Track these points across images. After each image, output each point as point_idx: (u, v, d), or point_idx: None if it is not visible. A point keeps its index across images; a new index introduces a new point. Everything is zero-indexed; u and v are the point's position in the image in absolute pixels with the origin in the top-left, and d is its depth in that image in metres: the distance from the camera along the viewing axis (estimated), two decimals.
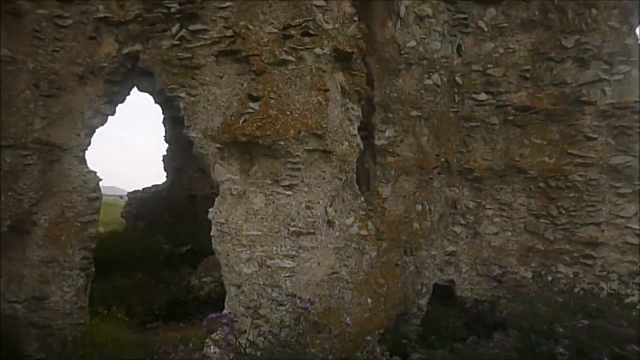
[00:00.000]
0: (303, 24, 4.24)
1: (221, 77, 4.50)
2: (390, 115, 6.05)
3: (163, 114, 13.20)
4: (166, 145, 13.61)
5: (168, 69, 4.69)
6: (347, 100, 4.70)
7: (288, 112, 4.23)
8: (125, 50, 4.93)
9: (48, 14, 5.07)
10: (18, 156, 4.93)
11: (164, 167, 13.62)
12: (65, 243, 5.05)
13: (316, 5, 4.30)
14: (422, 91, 6.31)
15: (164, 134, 13.57)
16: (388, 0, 6.05)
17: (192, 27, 4.57)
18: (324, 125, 4.27)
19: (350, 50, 4.48)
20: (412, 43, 6.24)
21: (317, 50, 4.28)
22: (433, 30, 6.45)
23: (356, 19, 4.70)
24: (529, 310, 3.53)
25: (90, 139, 5.22)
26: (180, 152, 13.55)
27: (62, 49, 5.07)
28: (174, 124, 13.40)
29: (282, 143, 4.19)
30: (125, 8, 4.96)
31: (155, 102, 11.85)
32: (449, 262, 6.56)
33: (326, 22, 4.34)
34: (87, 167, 5.21)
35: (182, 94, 4.64)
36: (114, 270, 8.16)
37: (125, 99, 5.38)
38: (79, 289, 5.12)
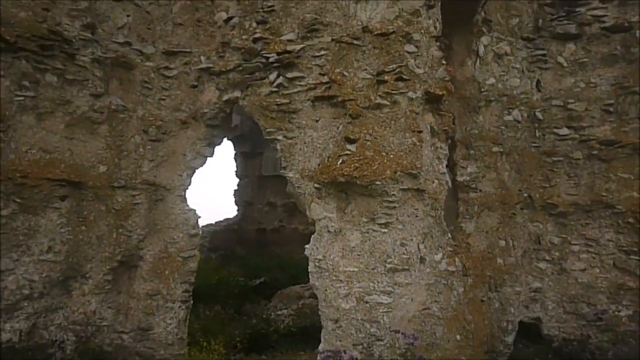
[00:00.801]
0: (396, 70, 4.47)
1: (317, 121, 4.78)
2: (471, 151, 6.14)
3: (234, 150, 13.82)
4: (237, 180, 14.18)
5: (266, 114, 5.03)
6: (436, 140, 4.86)
7: (384, 153, 4.43)
8: (225, 97, 5.33)
9: (155, 66, 5.57)
10: (128, 196, 5.37)
11: (235, 201, 14.15)
12: (169, 277, 5.40)
13: (408, 52, 4.52)
14: (503, 127, 6.37)
15: (235, 169, 14.15)
16: (467, 40, 6.23)
17: (289, 75, 4.90)
18: (418, 165, 4.44)
19: (440, 93, 4.66)
20: (492, 80, 6.35)
21: (410, 94, 4.48)
22: (512, 67, 6.54)
23: (444, 62, 4.89)
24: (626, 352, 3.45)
25: (191, 179, 5.61)
26: (251, 187, 14.08)
27: (167, 97, 5.54)
28: (245, 160, 14.00)
29: (379, 183, 4.38)
30: (225, 59, 5.38)
31: (228, 139, 12.42)
32: (534, 299, 6.44)
33: (417, 67, 4.55)
34: (188, 206, 5.59)
35: (280, 137, 4.95)
36: (193, 302, 8.50)
37: (222, 141, 5.77)
38: (180, 320, 5.43)
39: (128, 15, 5.53)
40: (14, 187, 4.66)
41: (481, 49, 6.30)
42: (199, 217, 5.62)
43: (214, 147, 5.65)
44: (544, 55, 6.68)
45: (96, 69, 5.27)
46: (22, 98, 4.75)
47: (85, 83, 5.21)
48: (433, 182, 4.69)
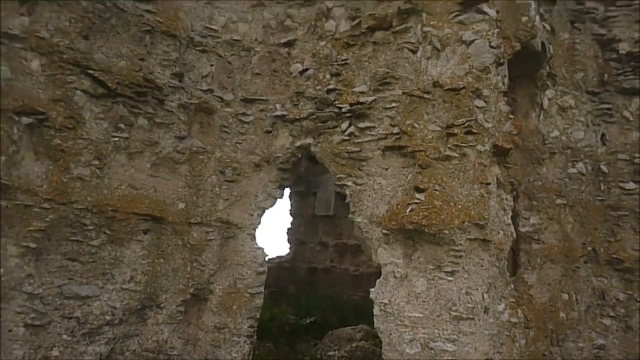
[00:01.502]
0: (466, 123, 4.67)
1: (386, 169, 5.01)
2: (534, 202, 6.18)
3: (290, 189, 14.20)
4: (290, 219, 14.49)
5: (337, 161, 5.31)
6: (502, 191, 4.97)
7: (452, 204, 4.58)
8: (297, 143, 5.66)
9: (233, 112, 6.00)
10: (203, 232, 5.72)
11: (288, 239, 14.42)
12: (236, 311, 5.65)
13: (477, 106, 4.73)
14: (567, 179, 6.40)
15: (289, 207, 14.49)
16: (531, 93, 6.36)
17: (361, 125, 5.19)
18: (486, 217, 4.56)
19: (508, 147, 4.81)
20: (556, 133, 6.43)
21: (479, 147, 4.66)
22: (576, 120, 6.60)
23: (512, 116, 5.05)
24: None
25: (260, 219, 5.92)
26: (303, 226, 14.34)
27: (244, 141, 5.93)
28: (299, 199, 14.34)
29: (447, 232, 4.52)
30: (299, 107, 5.74)
31: None
32: (597, 356, 6.28)
33: (486, 121, 4.73)
34: (257, 244, 5.87)
35: (349, 183, 5.20)
36: None
37: (290, 184, 6.07)
38: (244, 354, 5.63)
39: (211, 65, 6.01)
40: (105, 220, 5.09)
41: (545, 102, 6.41)
42: (267, 255, 5.89)
43: (283, 190, 5.96)
44: (609, 109, 6.72)
45: (181, 114, 5.74)
46: (117, 139, 5.23)
47: (171, 126, 5.67)
48: (499, 233, 4.79)
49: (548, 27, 6.27)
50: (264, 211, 5.92)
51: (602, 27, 6.93)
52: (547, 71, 6.33)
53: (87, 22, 5.11)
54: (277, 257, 14.36)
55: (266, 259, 5.88)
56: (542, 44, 5.82)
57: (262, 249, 5.89)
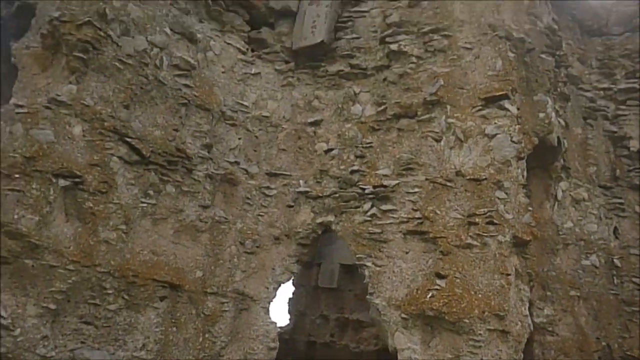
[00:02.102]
0: (487, 213, 4.81)
1: (407, 253, 5.09)
2: (548, 293, 6.20)
3: None
4: (293, 288, 14.32)
5: (358, 240, 5.40)
6: (520, 282, 5.02)
7: (472, 292, 4.63)
8: (319, 220, 5.78)
9: (257, 184, 6.17)
10: (218, 303, 5.72)
11: (288, 310, 14.18)
12: None
13: (498, 198, 4.88)
14: (580, 271, 6.45)
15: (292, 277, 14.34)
16: (546, 184, 6.55)
17: (383, 207, 5.33)
18: (506, 308, 4.59)
19: (527, 239, 4.92)
20: (569, 224, 6.56)
21: (500, 237, 4.77)
22: (589, 213, 6.75)
23: (530, 208, 5.19)
24: None
25: (276, 293, 5.92)
26: (305, 297, 14.15)
27: (265, 214, 6.05)
28: (303, 269, 14.21)
29: (467, 321, 4.53)
30: (322, 185, 5.91)
31: None
32: None
33: (507, 212, 4.87)
34: (270, 318, 5.85)
35: (369, 264, 5.27)
36: None
37: (307, 259, 6.13)
38: None
39: (239, 138, 6.25)
40: (125, 285, 5.12)
41: (559, 194, 6.59)
42: (279, 329, 5.84)
43: (300, 264, 6.01)
44: (621, 203, 6.89)
45: (207, 183, 5.90)
46: (145, 205, 5.36)
47: (196, 195, 5.82)
48: (517, 325, 4.79)
49: (563, 123, 6.56)
50: (279, 285, 5.94)
51: (613, 124, 7.25)
52: (561, 164, 6.55)
53: (130, 93, 5.39)
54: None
55: (277, 333, 5.82)
56: (558, 138, 6.07)
57: (275, 323, 5.86)
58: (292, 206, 6.06)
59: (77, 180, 4.85)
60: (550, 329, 6.04)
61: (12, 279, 4.55)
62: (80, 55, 5.05)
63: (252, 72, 6.52)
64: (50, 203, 4.70)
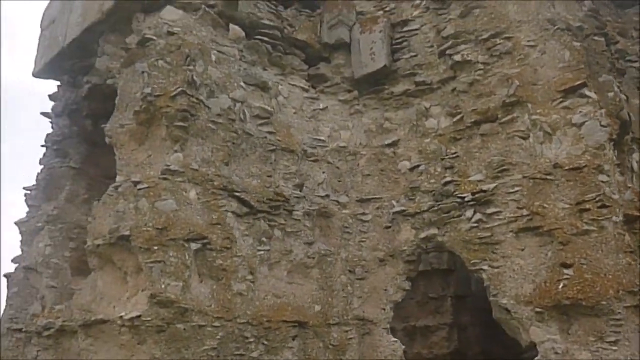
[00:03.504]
0: (597, 198, 5.02)
1: (522, 250, 5.29)
2: None
3: None
4: None
5: (469, 247, 5.61)
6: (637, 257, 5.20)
7: (602, 275, 4.82)
8: (422, 235, 5.99)
9: (351, 213, 6.41)
10: (342, 332, 5.92)
11: None
12: None
13: (602, 181, 5.09)
14: None
15: None
16: (621, 158, 6.72)
17: (487, 211, 5.54)
18: (637, 283, 4.77)
19: (637, 214, 5.12)
20: None
21: (614, 218, 4.97)
22: None
23: (630, 185, 5.40)
24: None
25: (392, 312, 6.11)
26: None
27: (367, 239, 6.28)
28: None
29: (605, 303, 4.72)
30: (416, 201, 6.14)
31: None
32: None
33: (613, 194, 5.08)
34: (392, 337, 6.03)
35: (485, 267, 5.47)
36: None
37: (417, 273, 6.33)
38: None
39: (323, 172, 6.50)
40: (263, 331, 5.33)
41: (634, 165, 6.77)
42: (403, 347, 6.02)
43: (411, 280, 6.21)
44: None
45: (306, 221, 6.14)
46: (262, 252, 5.60)
47: (299, 233, 6.06)
48: None
49: (624, 97, 6.78)
50: (394, 304, 6.13)
51: None
52: (630, 136, 6.74)
53: (227, 150, 5.67)
54: None
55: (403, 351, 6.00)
56: (628, 113, 6.28)
57: (398, 342, 6.04)
58: (389, 227, 6.27)
59: (205, 241, 5.10)
60: None
61: (168, 345, 4.77)
62: (181, 124, 5.33)
63: (320, 107, 6.79)
64: (188, 267, 4.95)
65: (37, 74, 7.36)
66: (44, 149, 7.46)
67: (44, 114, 7.45)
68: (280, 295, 5.73)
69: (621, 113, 6.04)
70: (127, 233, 4.89)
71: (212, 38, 6.01)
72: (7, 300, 6.59)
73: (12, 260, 6.79)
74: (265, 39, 6.50)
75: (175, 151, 5.34)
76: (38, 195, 7.09)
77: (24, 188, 7.24)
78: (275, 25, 6.63)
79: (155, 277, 4.74)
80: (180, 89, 5.39)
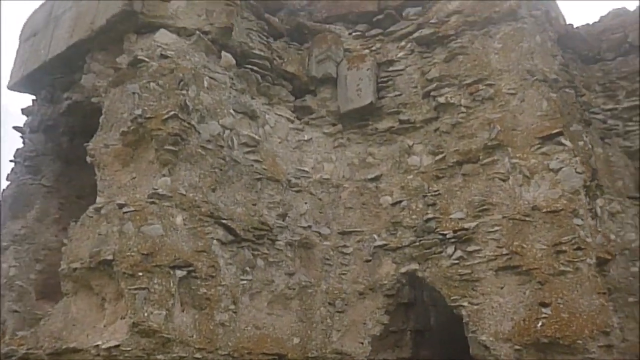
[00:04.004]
0: (572, 241, 5.27)
1: (502, 288, 5.46)
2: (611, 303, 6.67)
3: None
4: None
5: (450, 283, 5.73)
6: None
7: (577, 315, 5.02)
8: (402, 270, 6.08)
9: (333, 245, 6.45)
10: None
11: None
12: None
13: (577, 225, 5.36)
14: (632, 278, 6.98)
15: None
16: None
17: (468, 249, 5.70)
18: (610, 324, 5.00)
19: (608, 257, 5.41)
20: (612, 237, 7.11)
21: (588, 260, 5.22)
22: (625, 223, 7.35)
23: (599, 229, 5.70)
24: None
25: (370, 346, 6.11)
26: None
27: (347, 272, 6.31)
28: None
29: (580, 342, 4.91)
30: (397, 236, 6.25)
31: None
32: None
33: (587, 237, 5.35)
34: None
35: (465, 303, 5.59)
36: None
37: (394, 309, 6.38)
38: None
39: (306, 203, 6.54)
40: None
41: (598, 210, 7.17)
42: None
43: (390, 314, 6.24)
44: None
45: (288, 251, 6.12)
46: (245, 281, 5.53)
47: (281, 264, 6.02)
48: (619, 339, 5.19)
49: (590, 146, 7.22)
50: (373, 338, 6.13)
51: (625, 140, 7.99)
52: (595, 183, 7.16)
53: (215, 176, 5.63)
54: None
55: None
56: (594, 161, 6.68)
57: None
58: (369, 260, 6.33)
59: (190, 269, 4.99)
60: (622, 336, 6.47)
61: None
62: (172, 147, 5.27)
63: (305, 138, 6.88)
64: (173, 295, 4.82)
65: (13, 87, 7.13)
66: (11, 165, 7.16)
67: (16, 128, 7.18)
68: (261, 327, 5.64)
69: (590, 161, 6.42)
70: (109, 257, 4.73)
71: (204, 64, 6.02)
72: None
73: None
74: (255, 68, 6.58)
75: (164, 175, 5.26)
76: (3, 212, 6.75)
77: None
78: (266, 56, 6.72)
79: (139, 305, 4.58)
80: (172, 112, 5.35)
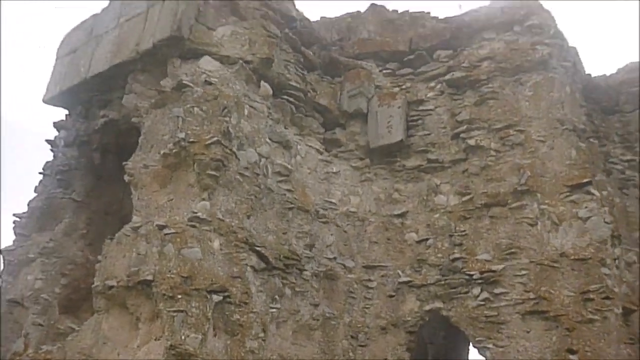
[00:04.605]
0: (600, 290, 5.36)
1: (528, 332, 5.51)
2: None
3: None
4: None
5: (475, 324, 5.78)
6: None
7: None
8: (426, 307, 6.12)
9: (357, 278, 6.49)
10: None
11: None
12: None
13: (605, 274, 5.47)
14: None
15: None
16: None
17: (494, 291, 5.77)
18: None
19: (634, 308, 5.49)
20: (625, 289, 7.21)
21: (615, 310, 5.31)
22: None
23: (624, 280, 5.81)
24: None
25: None
26: None
27: (371, 305, 6.34)
28: None
29: None
30: (422, 274, 6.31)
31: None
32: None
33: (614, 287, 5.45)
34: None
35: (490, 345, 5.63)
36: None
37: (415, 346, 6.40)
38: None
39: (332, 234, 6.61)
40: None
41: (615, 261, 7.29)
42: None
43: (412, 352, 6.26)
44: None
45: (314, 282, 6.16)
46: (274, 310, 5.55)
47: (306, 294, 6.06)
48: None
49: (612, 196, 7.38)
50: None
51: None
52: (613, 233, 7.29)
53: (250, 203, 5.71)
54: None
55: None
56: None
57: None
58: (393, 296, 6.38)
59: (226, 294, 5.02)
60: None
61: None
62: (214, 172, 5.36)
63: (333, 170, 7.00)
64: (209, 319, 4.84)
65: (49, 101, 7.23)
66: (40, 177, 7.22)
67: (48, 141, 7.26)
68: (285, 356, 5.64)
69: (613, 211, 6.57)
70: (149, 278, 4.77)
71: (244, 92, 6.17)
72: None
73: None
74: (291, 99, 6.74)
75: (203, 199, 5.34)
76: (29, 224, 6.78)
77: (14, 215, 6.90)
78: (301, 87, 6.89)
79: (177, 327, 4.60)
80: (215, 138, 5.46)
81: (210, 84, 5.86)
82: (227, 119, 5.67)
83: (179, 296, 4.71)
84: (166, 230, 5.00)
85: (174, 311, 4.64)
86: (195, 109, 5.66)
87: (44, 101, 7.25)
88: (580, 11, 30.54)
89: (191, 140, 5.46)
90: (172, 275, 4.78)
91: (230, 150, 5.58)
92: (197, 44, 6.11)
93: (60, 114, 7.48)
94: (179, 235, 5.00)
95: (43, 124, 28.26)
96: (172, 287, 4.72)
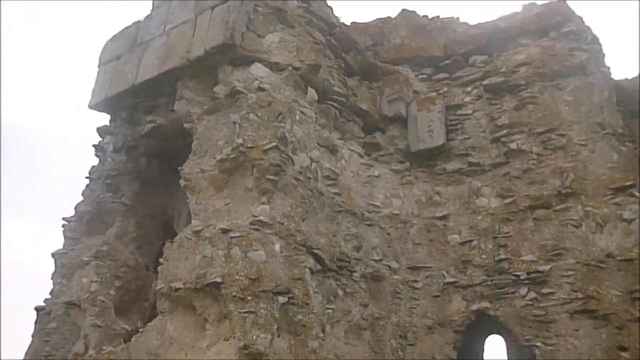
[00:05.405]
0: None
1: (577, 330, 5.68)
2: None
3: None
4: None
5: (524, 323, 5.94)
6: None
7: None
8: (473, 307, 6.29)
9: (402, 279, 6.65)
10: None
11: None
12: None
13: None
14: None
15: None
16: None
17: (542, 291, 5.94)
18: None
19: None
20: None
21: None
22: None
23: None
24: None
25: None
26: None
27: (417, 306, 6.50)
28: None
29: None
30: (467, 274, 6.47)
31: None
32: None
33: None
34: None
35: (539, 344, 5.80)
36: None
37: (461, 345, 6.55)
38: None
39: (376, 237, 6.76)
40: None
41: None
42: None
43: (458, 350, 6.42)
44: None
45: (362, 283, 6.32)
46: (330, 311, 5.70)
47: (356, 295, 6.21)
48: None
49: None
50: None
51: None
52: None
53: (305, 207, 5.85)
54: None
55: None
56: None
57: None
58: (439, 296, 6.54)
59: (290, 295, 5.16)
60: None
61: None
62: (273, 177, 5.51)
63: (375, 174, 7.15)
64: (276, 320, 4.98)
65: (94, 107, 7.34)
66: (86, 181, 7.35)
67: (95, 146, 7.38)
68: (339, 356, 5.78)
69: None
70: (218, 280, 4.90)
71: (293, 98, 6.32)
72: (40, 336, 6.22)
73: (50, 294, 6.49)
74: (335, 104, 6.89)
75: (262, 203, 5.47)
76: (79, 227, 6.90)
77: (63, 219, 7.03)
78: (343, 93, 7.05)
79: (248, 328, 4.74)
80: (273, 143, 5.60)
81: (263, 90, 6.00)
82: (282, 124, 5.81)
83: (249, 297, 4.85)
84: (231, 234, 5.14)
85: (245, 312, 4.78)
86: (251, 115, 5.80)
87: (90, 107, 7.37)
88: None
89: (249, 145, 5.60)
90: (240, 277, 4.92)
91: (287, 155, 5.72)
92: (248, 51, 6.24)
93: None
94: (244, 239, 5.14)
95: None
96: (241, 289, 4.86)
